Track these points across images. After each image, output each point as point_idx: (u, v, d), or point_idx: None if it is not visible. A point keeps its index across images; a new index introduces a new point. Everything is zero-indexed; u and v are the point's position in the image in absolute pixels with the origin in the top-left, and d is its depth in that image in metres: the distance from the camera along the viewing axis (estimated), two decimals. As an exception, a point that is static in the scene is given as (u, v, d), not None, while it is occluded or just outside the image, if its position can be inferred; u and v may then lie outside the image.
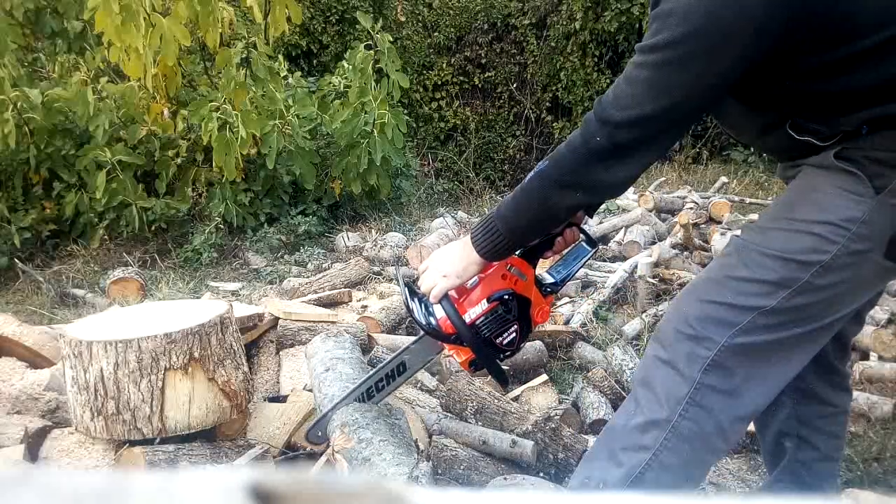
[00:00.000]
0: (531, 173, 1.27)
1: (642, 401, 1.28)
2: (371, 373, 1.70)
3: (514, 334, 1.44)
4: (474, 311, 1.40)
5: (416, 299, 1.45)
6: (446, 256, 1.39)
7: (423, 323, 1.41)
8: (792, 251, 1.20)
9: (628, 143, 1.16)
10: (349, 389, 1.69)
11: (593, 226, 5.11)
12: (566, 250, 1.53)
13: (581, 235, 1.52)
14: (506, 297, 1.40)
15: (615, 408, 2.36)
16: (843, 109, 1.16)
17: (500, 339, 1.42)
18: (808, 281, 1.18)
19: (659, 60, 1.12)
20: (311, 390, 2.14)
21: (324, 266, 4.41)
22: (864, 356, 2.80)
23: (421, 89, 9.61)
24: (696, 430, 1.23)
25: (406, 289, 1.47)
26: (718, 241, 4.31)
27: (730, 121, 1.38)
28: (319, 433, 1.68)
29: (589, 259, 1.58)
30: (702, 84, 1.12)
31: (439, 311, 1.40)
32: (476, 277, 1.39)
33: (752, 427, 1.98)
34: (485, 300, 1.39)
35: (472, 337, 1.39)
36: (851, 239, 1.16)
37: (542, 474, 1.90)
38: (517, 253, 1.42)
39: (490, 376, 1.52)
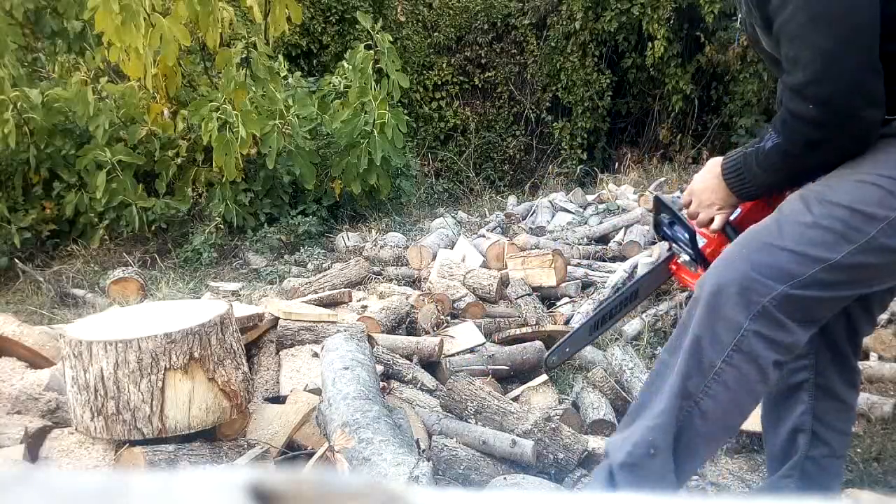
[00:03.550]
0: (770, 143, 1.25)
1: (686, 346, 1.27)
2: (605, 302, 1.77)
3: None
4: None
5: (673, 232, 1.53)
6: (709, 191, 1.39)
7: (692, 252, 1.48)
8: (859, 201, 1.18)
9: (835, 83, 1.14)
10: (585, 318, 1.81)
11: (593, 226, 5.11)
12: None
13: None
14: None
15: (615, 408, 2.37)
16: None
17: None
18: (873, 237, 1.17)
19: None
20: (312, 390, 2.14)
21: (324, 266, 4.41)
22: (865, 356, 2.80)
23: (421, 89, 9.60)
24: (739, 376, 1.23)
25: (671, 223, 1.54)
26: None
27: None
28: (554, 358, 1.78)
29: None
30: None
31: (701, 241, 1.47)
32: (740, 208, 1.42)
33: (751, 427, 1.99)
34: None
35: None
36: None
37: (542, 474, 1.90)
38: None
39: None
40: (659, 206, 1.58)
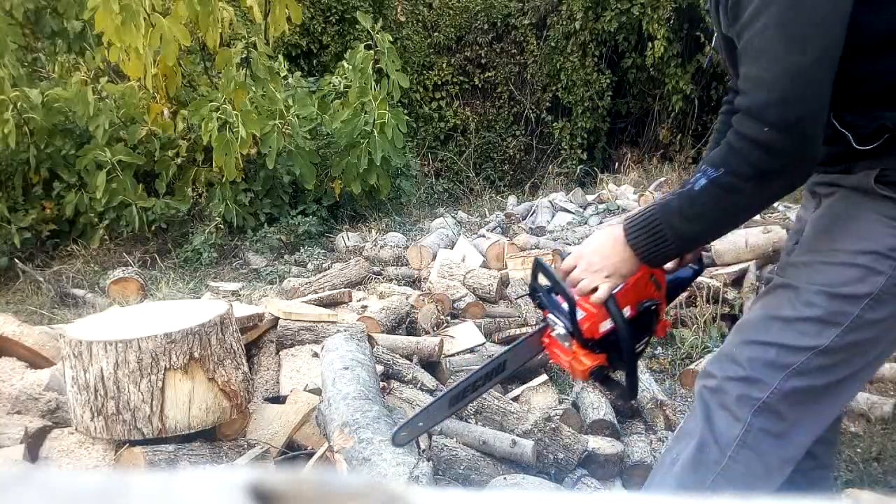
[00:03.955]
0: (703, 181, 1.12)
1: (694, 437, 1.25)
2: (470, 374, 1.59)
3: (642, 346, 1.36)
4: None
5: (550, 300, 1.36)
6: (601, 256, 1.25)
7: (569, 325, 1.31)
8: (838, 285, 1.15)
9: (795, 104, 1.04)
10: (441, 392, 1.62)
11: (593, 226, 5.11)
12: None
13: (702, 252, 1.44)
14: (652, 307, 1.32)
15: (615, 408, 2.36)
16: (885, 100, 1.10)
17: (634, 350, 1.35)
18: (858, 315, 1.14)
19: (774, 14, 1.03)
20: (312, 390, 2.14)
21: (324, 266, 4.41)
22: (864, 356, 2.80)
23: (421, 89, 9.60)
24: (745, 472, 1.21)
25: (550, 290, 1.38)
26: (717, 241, 4.30)
27: None
28: (404, 433, 1.60)
29: (696, 278, 1.48)
30: (826, 16, 1.02)
31: (580, 314, 1.30)
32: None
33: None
34: (628, 307, 1.30)
35: (630, 342, 1.30)
36: None
37: (542, 474, 1.90)
38: None
39: (607, 389, 1.45)
40: (537, 270, 1.41)
